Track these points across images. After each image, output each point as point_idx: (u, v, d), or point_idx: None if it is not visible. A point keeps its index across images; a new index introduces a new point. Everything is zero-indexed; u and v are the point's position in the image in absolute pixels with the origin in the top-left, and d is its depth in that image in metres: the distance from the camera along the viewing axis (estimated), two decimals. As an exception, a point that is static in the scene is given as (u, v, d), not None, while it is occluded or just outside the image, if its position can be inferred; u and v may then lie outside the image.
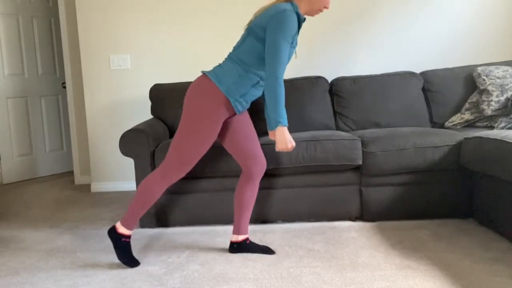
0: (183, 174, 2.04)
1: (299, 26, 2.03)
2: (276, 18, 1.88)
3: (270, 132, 2.30)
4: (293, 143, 1.93)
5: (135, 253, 2.25)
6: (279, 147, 1.92)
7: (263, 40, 1.93)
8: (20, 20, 4.18)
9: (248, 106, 2.09)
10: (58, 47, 4.48)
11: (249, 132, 2.15)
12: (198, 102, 1.97)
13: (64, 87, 4.47)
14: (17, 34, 4.17)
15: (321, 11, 2.03)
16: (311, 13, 2.05)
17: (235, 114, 2.08)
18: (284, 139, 1.91)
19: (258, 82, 2.02)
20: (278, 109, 1.89)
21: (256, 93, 2.06)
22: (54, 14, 4.42)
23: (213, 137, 2.01)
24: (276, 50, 1.87)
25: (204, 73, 2.03)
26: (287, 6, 1.92)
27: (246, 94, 2.01)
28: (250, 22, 2.01)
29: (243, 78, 1.98)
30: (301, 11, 2.01)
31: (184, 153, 1.99)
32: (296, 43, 1.99)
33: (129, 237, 2.09)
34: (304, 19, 2.04)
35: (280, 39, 1.87)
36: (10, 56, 4.13)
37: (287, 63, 1.95)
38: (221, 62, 2.08)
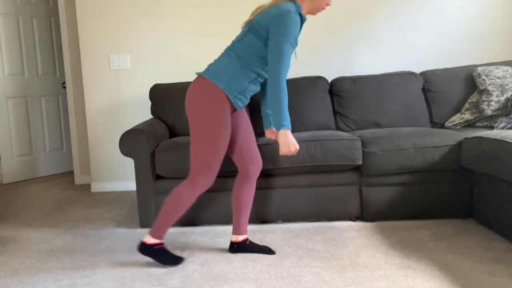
0: (212, 181, 2.01)
1: (301, 26, 2.01)
2: (279, 19, 1.85)
3: (266, 131, 2.29)
4: (297, 146, 1.91)
5: (136, 253, 2.25)
6: (282, 150, 1.90)
7: (265, 39, 1.90)
8: (20, 20, 4.18)
9: (248, 101, 2.06)
10: (58, 47, 4.48)
11: (246, 130, 2.14)
12: (201, 104, 1.94)
13: (64, 87, 4.47)
14: (17, 34, 4.17)
15: (323, 9, 2.01)
16: (313, 12, 2.02)
17: (235, 110, 2.07)
18: (287, 141, 1.89)
19: (256, 78, 1.99)
20: (281, 112, 1.87)
21: (255, 89, 2.04)
22: (54, 14, 4.42)
23: (228, 132, 1.98)
24: (280, 54, 1.85)
25: (199, 74, 2.00)
26: (291, 7, 1.89)
27: (244, 90, 1.98)
28: (249, 20, 1.98)
29: (241, 74, 1.95)
30: (303, 11, 1.99)
31: (207, 158, 1.95)
32: (297, 44, 1.97)
33: (161, 243, 2.06)
34: (306, 18, 2.02)
35: (284, 43, 1.85)
36: (10, 56, 4.13)
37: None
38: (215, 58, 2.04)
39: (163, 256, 2.06)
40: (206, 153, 1.95)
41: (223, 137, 1.96)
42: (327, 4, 2.00)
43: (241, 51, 1.96)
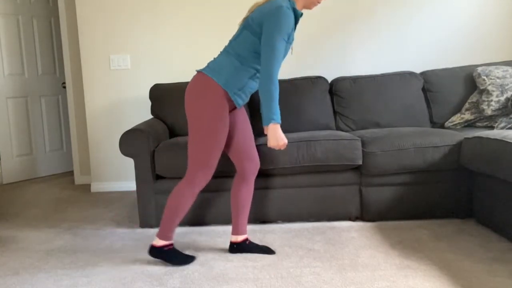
0: (210, 176, 2.02)
1: (296, 22, 2.02)
2: (272, 15, 1.87)
3: (265, 127, 2.30)
4: (285, 141, 1.92)
5: (136, 253, 2.25)
6: (270, 143, 1.92)
7: (259, 34, 1.93)
8: (20, 20, 4.18)
9: (247, 99, 2.08)
10: (58, 47, 4.48)
11: (244, 129, 2.15)
12: (200, 101, 1.96)
13: (64, 87, 4.47)
14: (17, 34, 4.17)
15: (319, 2, 2.03)
16: (309, 6, 2.04)
17: (235, 108, 2.08)
18: (276, 135, 1.90)
19: (254, 74, 2.01)
20: (271, 106, 1.88)
21: (254, 86, 2.05)
22: (54, 14, 4.42)
23: (226, 130, 2.00)
24: (272, 48, 1.87)
25: (199, 71, 2.02)
26: (284, 2, 1.91)
27: (244, 86, 2.00)
28: (246, 17, 2.01)
29: (240, 71, 1.97)
30: (298, 6, 2.00)
31: (205, 156, 1.97)
32: (293, 39, 1.99)
33: (171, 244, 2.07)
34: (301, 14, 2.03)
35: (276, 37, 1.87)
36: (10, 56, 4.13)
37: (283, 59, 1.95)
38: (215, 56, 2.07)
39: (175, 256, 2.07)
40: (204, 150, 1.96)
41: (221, 132, 1.97)
42: None
43: (238, 48, 1.98)
